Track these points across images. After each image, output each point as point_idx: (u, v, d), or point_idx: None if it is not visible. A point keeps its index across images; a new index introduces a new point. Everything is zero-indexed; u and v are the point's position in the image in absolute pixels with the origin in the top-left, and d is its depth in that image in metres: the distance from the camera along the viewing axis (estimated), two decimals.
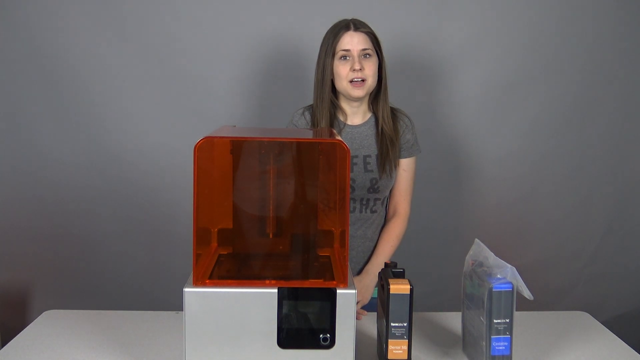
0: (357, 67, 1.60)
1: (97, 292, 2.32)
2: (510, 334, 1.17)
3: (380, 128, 1.69)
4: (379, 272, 1.24)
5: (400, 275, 1.20)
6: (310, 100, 1.74)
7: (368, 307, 1.64)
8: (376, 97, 1.70)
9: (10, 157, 2.23)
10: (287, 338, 1.10)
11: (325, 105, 1.66)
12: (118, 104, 2.22)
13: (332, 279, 1.15)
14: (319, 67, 1.67)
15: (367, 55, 1.62)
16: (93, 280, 2.32)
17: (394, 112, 1.74)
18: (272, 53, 2.24)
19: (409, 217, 1.76)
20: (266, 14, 2.21)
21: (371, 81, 1.63)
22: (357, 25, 1.63)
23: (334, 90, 1.70)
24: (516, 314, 1.17)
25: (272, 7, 2.21)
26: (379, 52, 1.66)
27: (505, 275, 1.15)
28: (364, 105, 1.71)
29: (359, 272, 1.72)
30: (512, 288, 1.15)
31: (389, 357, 1.15)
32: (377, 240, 1.75)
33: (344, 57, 1.62)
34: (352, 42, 1.61)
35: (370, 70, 1.62)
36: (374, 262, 1.70)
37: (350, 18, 1.66)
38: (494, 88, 2.31)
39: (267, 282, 1.12)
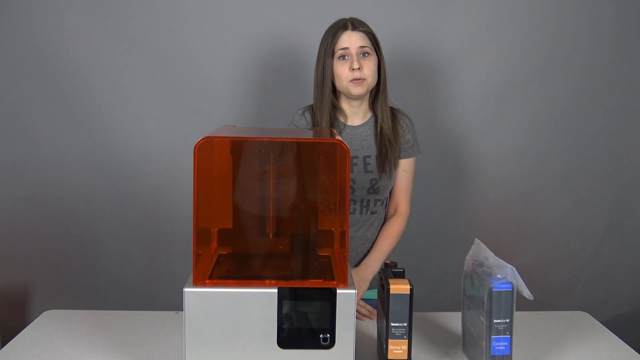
0: (355, 66, 1.59)
1: (97, 292, 2.32)
2: (510, 334, 1.17)
3: (379, 127, 1.69)
4: (379, 272, 1.24)
5: (400, 275, 1.20)
6: (310, 100, 1.74)
7: None
8: (375, 96, 1.70)
9: (11, 157, 2.23)
10: (287, 338, 1.10)
11: (326, 107, 1.66)
12: (118, 104, 2.22)
13: (332, 279, 1.15)
14: (319, 67, 1.66)
15: (366, 54, 1.62)
16: (93, 280, 2.32)
17: (394, 112, 1.74)
18: (272, 53, 2.24)
19: (408, 217, 1.76)
20: (266, 13, 2.21)
21: (371, 80, 1.63)
22: (355, 24, 1.63)
23: (334, 91, 1.70)
24: (516, 314, 1.17)
25: (272, 7, 2.21)
26: (377, 51, 1.66)
27: (505, 275, 1.15)
28: (365, 105, 1.71)
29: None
30: (512, 288, 1.15)
31: (389, 357, 1.15)
32: (376, 237, 1.75)
33: (343, 57, 1.62)
34: (350, 40, 1.61)
35: (369, 69, 1.62)
36: (372, 257, 1.70)
37: (348, 17, 1.66)
38: (494, 88, 2.31)
39: (267, 282, 1.12)
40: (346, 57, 1.62)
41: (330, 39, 1.63)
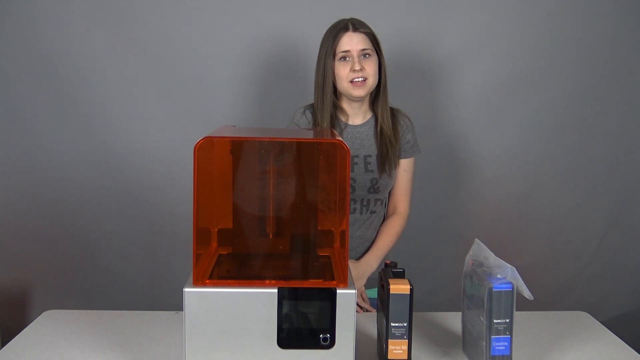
0: (357, 67, 1.60)
1: (97, 292, 2.32)
2: (510, 334, 1.17)
3: (379, 128, 1.69)
4: (379, 272, 1.24)
5: (400, 275, 1.19)
6: (310, 100, 1.74)
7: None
8: (376, 97, 1.71)
9: (11, 157, 2.23)
10: (287, 338, 1.10)
11: (327, 107, 1.66)
12: (118, 104, 2.22)
13: (332, 279, 1.14)
14: (319, 68, 1.66)
15: (367, 55, 1.62)
16: (93, 280, 2.32)
17: (394, 112, 1.74)
18: (272, 52, 2.24)
19: (408, 216, 1.76)
20: (266, 13, 2.21)
21: (372, 80, 1.63)
22: (355, 25, 1.63)
23: (335, 91, 1.70)
24: (516, 314, 1.16)
25: (272, 6, 2.21)
26: (378, 51, 1.66)
27: (505, 275, 1.15)
28: (365, 105, 1.71)
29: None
30: (512, 288, 1.15)
31: (389, 357, 1.15)
32: (376, 235, 1.75)
33: (344, 58, 1.62)
34: (351, 42, 1.61)
35: (370, 69, 1.62)
36: (372, 254, 1.71)
37: (348, 18, 1.66)
38: (494, 88, 2.31)
39: (267, 282, 1.12)
40: (347, 59, 1.62)
41: (331, 41, 1.63)
